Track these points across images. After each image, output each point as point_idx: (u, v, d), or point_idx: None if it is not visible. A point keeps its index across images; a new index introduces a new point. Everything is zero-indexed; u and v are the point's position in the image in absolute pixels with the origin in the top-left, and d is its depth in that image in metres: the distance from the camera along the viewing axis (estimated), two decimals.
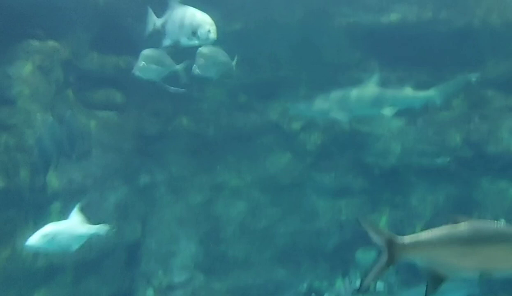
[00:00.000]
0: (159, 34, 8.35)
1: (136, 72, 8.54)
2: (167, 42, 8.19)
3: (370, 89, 9.12)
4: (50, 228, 7.71)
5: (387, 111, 9.08)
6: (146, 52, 8.49)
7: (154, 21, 8.33)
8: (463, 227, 4.86)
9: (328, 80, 10.24)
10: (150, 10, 8.43)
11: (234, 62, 8.63)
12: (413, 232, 10.70)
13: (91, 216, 8.19)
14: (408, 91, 9.15)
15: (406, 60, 10.28)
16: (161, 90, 9.26)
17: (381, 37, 10.21)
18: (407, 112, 9.97)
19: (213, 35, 7.88)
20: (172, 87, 8.88)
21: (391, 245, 4.83)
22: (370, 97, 9.07)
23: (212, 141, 10.46)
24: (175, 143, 10.32)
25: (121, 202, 10.05)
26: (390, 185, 10.39)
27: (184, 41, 8.02)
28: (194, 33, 7.91)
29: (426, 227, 9.76)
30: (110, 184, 9.91)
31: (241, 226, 10.42)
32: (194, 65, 8.29)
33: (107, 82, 10.03)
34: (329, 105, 9.08)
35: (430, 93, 9.21)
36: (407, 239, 4.86)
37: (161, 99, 10.09)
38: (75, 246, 7.93)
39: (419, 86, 9.74)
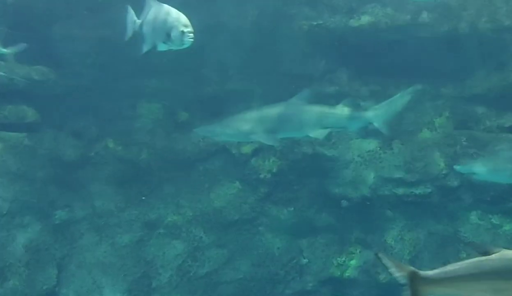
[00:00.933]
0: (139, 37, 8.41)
1: None
2: (146, 47, 8.26)
3: (295, 107, 9.15)
4: None
5: (318, 134, 9.17)
6: None
7: (134, 22, 8.30)
8: (495, 258, 5.03)
9: (288, 94, 9.85)
10: (130, 9, 8.35)
11: None
12: (389, 277, 10.84)
13: None
14: (341, 110, 9.18)
15: (380, 71, 10.40)
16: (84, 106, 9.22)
17: (350, 43, 10.29)
18: (380, 133, 9.86)
19: (188, 38, 7.94)
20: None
21: (414, 281, 5.12)
22: (295, 116, 9.12)
23: (145, 168, 10.43)
24: (99, 171, 10.34)
25: (32, 243, 9.97)
26: (361, 220, 10.42)
27: (161, 46, 8.13)
28: (168, 36, 7.97)
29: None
30: (19, 221, 9.91)
31: (179, 271, 10.36)
32: None
33: (17, 96, 10.09)
34: (247, 125, 9.10)
35: (368, 113, 9.23)
36: (431, 273, 5.14)
37: (83, 116, 10.15)
38: None
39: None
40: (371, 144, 10.42)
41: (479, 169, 9.26)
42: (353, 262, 10.33)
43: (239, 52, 10.28)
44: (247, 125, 9.11)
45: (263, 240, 10.49)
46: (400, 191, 10.29)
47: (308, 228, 10.50)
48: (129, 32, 8.37)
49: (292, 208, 10.50)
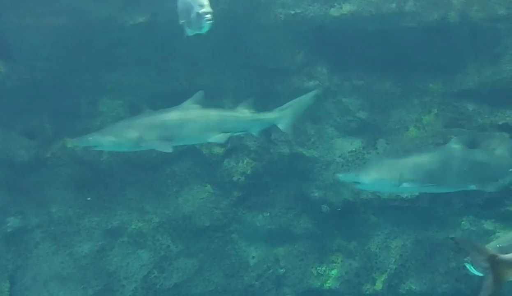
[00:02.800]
0: None
1: None
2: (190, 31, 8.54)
3: (191, 111, 9.17)
4: None
5: (217, 139, 9.15)
6: None
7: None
8: None
9: (262, 89, 10.24)
10: None
11: None
12: (373, 288, 10.45)
13: None
14: (241, 113, 9.30)
15: (363, 65, 10.28)
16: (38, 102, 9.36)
17: (330, 34, 10.09)
18: (364, 132, 10.02)
19: (206, 20, 8.04)
20: None
21: (497, 264, 5.35)
22: (191, 122, 9.13)
23: (106, 170, 10.36)
24: (56, 173, 10.19)
25: None
26: (343, 227, 10.23)
27: (187, 30, 8.44)
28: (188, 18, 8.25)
29: (390, 280, 9.73)
30: None
31: (145, 284, 10.27)
32: None
33: None
34: (136, 132, 8.99)
35: (271, 115, 9.36)
36: None
37: (37, 114, 10.05)
38: None
39: (378, 96, 10.12)
40: (353, 144, 10.36)
41: (363, 178, 9.01)
42: (334, 272, 10.22)
43: (209, 43, 10.01)
44: (136, 132, 9.03)
45: (237, 248, 10.40)
46: (386, 194, 10.09)
47: (286, 235, 10.38)
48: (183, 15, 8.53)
49: (268, 214, 10.38)
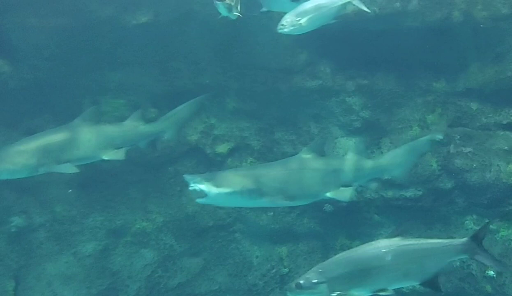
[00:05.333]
0: None
1: None
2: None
3: (80, 129, 9.21)
4: None
5: (113, 155, 9.22)
6: None
7: None
8: None
9: (265, 88, 10.27)
10: None
11: None
12: None
13: None
14: (128, 127, 9.42)
15: (367, 64, 10.24)
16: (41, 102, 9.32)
17: (333, 34, 10.02)
18: (367, 131, 10.02)
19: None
20: None
21: None
22: (83, 140, 9.13)
23: (110, 170, 10.30)
24: (59, 173, 9.84)
25: None
26: (346, 226, 10.21)
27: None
28: None
29: None
30: None
31: (149, 283, 10.27)
32: None
33: None
34: (33, 158, 8.92)
35: (157, 125, 9.54)
36: None
37: (40, 114, 10.08)
38: None
39: (382, 95, 10.06)
40: (357, 143, 10.07)
41: (210, 189, 8.59)
42: None
43: (212, 43, 10.15)
44: (32, 157, 8.95)
45: (240, 248, 10.40)
46: (389, 194, 10.09)
47: (289, 234, 10.37)
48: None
49: (272, 213, 10.34)
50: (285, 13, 8.85)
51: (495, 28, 9.92)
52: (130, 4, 9.97)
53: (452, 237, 9.67)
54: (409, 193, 10.00)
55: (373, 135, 10.16)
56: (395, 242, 7.95)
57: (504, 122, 10.00)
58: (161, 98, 10.29)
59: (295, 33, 8.81)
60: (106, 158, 9.19)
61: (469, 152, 9.94)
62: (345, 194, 8.89)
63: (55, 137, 9.11)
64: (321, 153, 9.07)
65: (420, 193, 9.98)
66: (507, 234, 9.75)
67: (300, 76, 10.24)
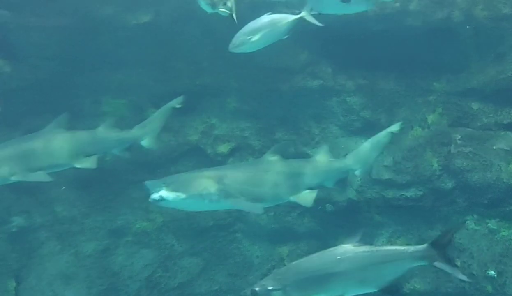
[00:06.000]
0: None
1: None
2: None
3: (54, 136, 9.05)
4: None
5: (84, 163, 9.06)
6: None
7: None
8: None
9: (266, 88, 10.28)
10: None
11: None
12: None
13: None
14: (102, 133, 9.27)
15: (367, 64, 10.24)
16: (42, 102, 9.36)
17: (334, 34, 10.01)
18: (368, 131, 9.92)
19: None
20: None
21: None
22: (57, 147, 8.98)
23: (110, 170, 10.31)
24: (60, 173, 9.78)
25: None
26: (347, 226, 10.07)
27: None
28: None
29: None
30: None
31: (149, 283, 10.25)
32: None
33: None
34: (5, 166, 8.81)
35: (134, 132, 9.39)
36: None
37: (41, 113, 10.03)
38: None
39: (382, 95, 10.08)
40: (358, 143, 10.16)
41: (169, 195, 8.37)
42: None
43: (212, 43, 10.15)
44: (4, 166, 8.82)
45: (241, 247, 10.38)
46: (390, 194, 10.09)
47: (290, 234, 10.33)
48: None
49: (272, 213, 10.29)
50: (335, 14, 8.94)
51: (496, 28, 9.93)
52: (131, 4, 10.01)
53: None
54: (410, 193, 9.98)
55: (373, 135, 9.74)
56: (352, 249, 7.88)
57: (505, 122, 10.00)
58: (161, 98, 10.14)
59: (248, 51, 8.76)
60: (78, 166, 9.03)
61: (469, 152, 9.91)
62: (308, 198, 8.76)
63: (27, 144, 8.98)
64: (285, 155, 8.93)
65: (421, 193, 9.94)
66: (507, 234, 9.74)
67: (300, 76, 10.28)
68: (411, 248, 7.97)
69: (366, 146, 9.19)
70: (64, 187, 10.19)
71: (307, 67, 10.30)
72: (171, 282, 10.25)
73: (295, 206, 10.13)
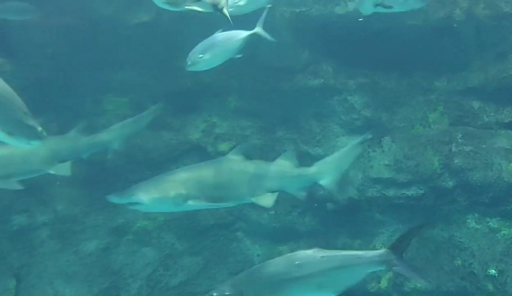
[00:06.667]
0: None
1: None
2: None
3: None
4: None
5: (56, 169, 8.90)
6: None
7: None
8: None
9: (267, 87, 10.29)
10: None
11: None
12: (378, 286, 10.45)
13: None
14: (68, 138, 9.14)
15: (368, 63, 10.27)
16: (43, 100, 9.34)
17: (336, 32, 10.09)
18: (369, 130, 9.94)
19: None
20: None
21: None
22: (18, 154, 8.63)
23: (111, 169, 10.32)
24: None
25: None
26: (348, 225, 10.18)
27: None
28: None
29: (396, 278, 9.72)
30: None
31: (150, 281, 10.22)
32: None
33: None
34: None
35: (100, 137, 9.32)
36: None
37: (42, 112, 9.58)
38: None
39: (383, 94, 10.12)
40: None
41: (142, 198, 8.33)
42: None
43: None
44: None
45: (242, 246, 10.37)
46: (391, 192, 10.08)
47: (290, 233, 10.30)
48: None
49: (273, 212, 10.26)
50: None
51: (497, 27, 9.98)
52: (132, 3, 10.01)
53: (453, 235, 9.86)
54: (411, 191, 9.97)
55: (374, 134, 9.95)
56: (309, 254, 7.87)
57: (506, 121, 10.03)
58: (162, 97, 10.25)
59: (201, 69, 8.79)
60: (52, 172, 8.88)
61: (470, 151, 9.94)
62: (268, 200, 8.69)
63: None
64: (249, 156, 8.88)
65: (422, 191, 9.94)
66: (508, 233, 9.75)
67: (302, 75, 10.30)
68: (370, 253, 8.02)
69: (335, 157, 9.15)
70: (58, 182, 10.08)
71: (308, 66, 10.32)
72: (172, 281, 10.22)
73: (296, 205, 10.25)
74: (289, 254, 8.04)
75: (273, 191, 8.73)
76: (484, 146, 9.95)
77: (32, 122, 6.75)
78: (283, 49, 10.22)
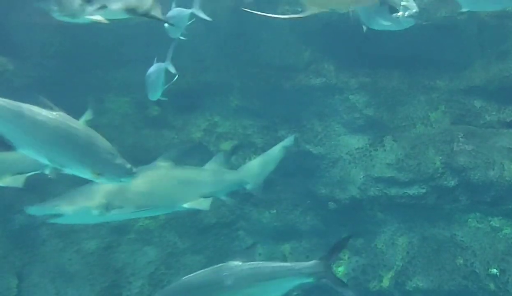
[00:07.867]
0: None
1: None
2: None
3: None
4: None
5: (7, 182, 8.30)
6: None
7: None
8: None
9: (269, 86, 10.29)
10: None
11: None
12: (380, 285, 10.47)
13: None
14: None
15: (370, 61, 10.29)
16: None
17: (337, 31, 10.06)
18: (371, 129, 10.07)
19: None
20: None
21: None
22: None
23: None
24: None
25: None
26: (350, 224, 10.17)
27: None
28: None
29: (397, 277, 9.72)
30: None
31: (152, 280, 10.18)
32: None
33: None
34: None
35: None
36: None
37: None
38: None
39: (385, 93, 10.16)
40: (360, 141, 10.31)
41: (64, 209, 8.01)
42: (341, 269, 10.13)
43: (215, 40, 10.19)
44: None
45: (243, 245, 10.25)
46: (392, 191, 10.10)
47: (292, 232, 10.32)
48: None
49: (275, 211, 10.34)
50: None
51: (500, 26, 10.01)
52: None
53: (455, 234, 9.85)
54: (413, 190, 9.98)
55: (376, 133, 10.17)
56: (237, 266, 7.79)
57: (508, 120, 10.04)
58: (163, 95, 9.77)
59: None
60: (2, 185, 8.31)
61: (472, 150, 9.95)
62: (203, 203, 8.56)
63: None
64: (178, 161, 8.70)
65: (424, 190, 9.96)
66: (510, 232, 9.79)
67: (303, 74, 10.30)
68: (298, 265, 7.98)
69: (258, 161, 9.18)
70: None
71: (310, 65, 10.32)
72: (174, 280, 9.73)
73: (298, 204, 10.29)
74: (217, 265, 7.92)
75: (204, 197, 8.55)
76: (485, 145, 9.96)
77: (120, 160, 6.95)
78: (285, 48, 10.26)
